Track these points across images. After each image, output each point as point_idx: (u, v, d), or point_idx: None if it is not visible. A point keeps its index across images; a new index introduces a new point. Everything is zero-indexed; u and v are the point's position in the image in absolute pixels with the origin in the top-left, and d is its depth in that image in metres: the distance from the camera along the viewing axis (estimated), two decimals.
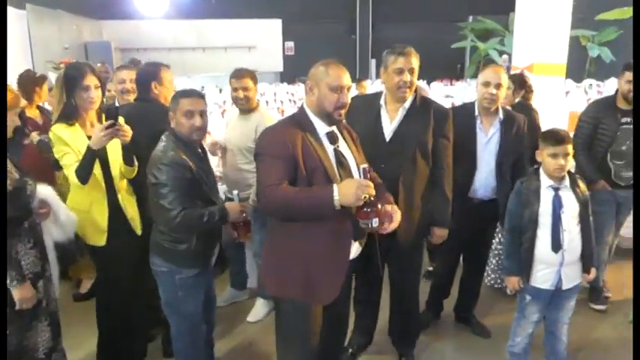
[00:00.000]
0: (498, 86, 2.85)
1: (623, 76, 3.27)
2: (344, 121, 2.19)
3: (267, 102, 8.71)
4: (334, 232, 2.04)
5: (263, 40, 15.20)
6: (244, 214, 2.39)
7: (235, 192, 2.50)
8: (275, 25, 15.39)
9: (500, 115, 2.94)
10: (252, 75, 3.19)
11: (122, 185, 2.62)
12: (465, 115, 2.95)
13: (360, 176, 2.04)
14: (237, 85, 3.14)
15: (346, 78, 2.05)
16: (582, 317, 3.29)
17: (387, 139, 2.60)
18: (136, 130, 2.47)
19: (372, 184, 1.91)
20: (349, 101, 2.09)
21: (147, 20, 14.10)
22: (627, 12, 9.61)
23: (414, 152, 2.56)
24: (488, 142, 2.94)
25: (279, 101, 9.15)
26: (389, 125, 2.61)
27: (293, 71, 14.19)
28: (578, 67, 12.42)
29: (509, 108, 3.19)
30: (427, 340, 3.19)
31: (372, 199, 1.93)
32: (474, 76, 14.70)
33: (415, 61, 2.53)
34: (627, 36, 12.79)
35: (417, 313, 2.99)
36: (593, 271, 2.59)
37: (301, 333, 2.16)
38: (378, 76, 14.88)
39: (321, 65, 2.07)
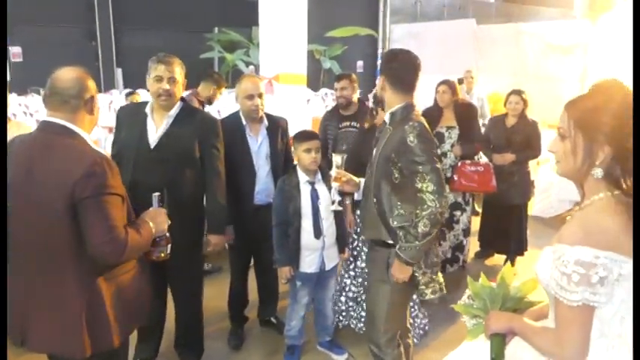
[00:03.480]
0: (260, 96, 3.02)
1: (335, 85, 3.93)
2: None
3: None
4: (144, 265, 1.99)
5: None
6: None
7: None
8: None
9: (266, 122, 3.12)
10: None
11: None
12: (234, 124, 3.07)
13: (154, 204, 1.98)
14: None
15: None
16: None
17: (152, 146, 2.58)
18: None
19: (165, 212, 1.96)
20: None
21: None
22: (350, 31, 11.14)
23: (179, 160, 2.60)
24: (259, 148, 3.09)
25: (10, 114, 7.93)
26: (154, 133, 2.60)
27: (23, 80, 12.44)
28: (315, 77, 13.92)
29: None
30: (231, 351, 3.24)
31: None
32: (227, 86, 15.18)
33: (178, 70, 2.56)
34: (350, 50, 14.90)
35: (200, 321, 2.97)
36: (346, 250, 3.03)
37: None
38: (125, 85, 14.15)
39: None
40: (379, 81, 2.33)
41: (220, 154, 2.76)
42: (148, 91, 2.60)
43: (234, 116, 3.14)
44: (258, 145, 3.10)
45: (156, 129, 2.60)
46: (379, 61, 13.04)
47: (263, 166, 3.09)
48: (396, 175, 2.23)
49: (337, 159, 2.47)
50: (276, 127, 3.17)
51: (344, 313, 3.33)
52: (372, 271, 2.50)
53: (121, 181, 1.78)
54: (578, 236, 1.22)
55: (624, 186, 1.23)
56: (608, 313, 1.25)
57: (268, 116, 3.17)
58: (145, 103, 2.73)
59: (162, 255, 1.97)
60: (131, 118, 2.64)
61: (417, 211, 2.16)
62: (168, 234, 1.97)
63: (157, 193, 1.99)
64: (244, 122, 3.08)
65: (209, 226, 2.81)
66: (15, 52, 14.11)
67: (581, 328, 1.24)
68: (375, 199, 2.30)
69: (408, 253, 2.18)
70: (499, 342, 1.45)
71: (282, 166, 3.15)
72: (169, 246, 1.97)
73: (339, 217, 2.94)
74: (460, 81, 10.37)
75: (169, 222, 1.94)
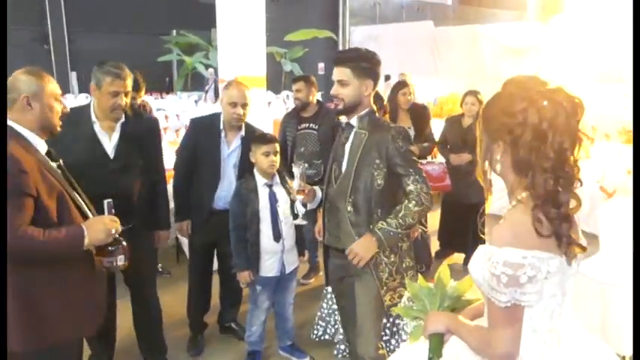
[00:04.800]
0: (245, 106, 2.93)
1: (293, 87, 3.97)
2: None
3: None
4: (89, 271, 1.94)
5: None
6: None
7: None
8: None
9: (242, 132, 3.03)
10: None
11: None
12: (211, 124, 3.01)
13: (105, 212, 1.93)
14: None
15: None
16: (301, 297, 3.75)
17: (111, 157, 2.54)
18: None
19: (118, 220, 1.89)
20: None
21: None
22: (309, 34, 11.16)
23: (137, 166, 2.60)
24: (229, 155, 3.02)
25: None
26: (108, 142, 2.54)
27: None
28: (276, 80, 13.89)
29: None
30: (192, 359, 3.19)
31: (118, 236, 1.89)
32: (184, 89, 15.00)
33: (130, 83, 2.50)
34: (311, 53, 14.94)
35: (160, 320, 2.94)
36: (306, 252, 3.03)
37: None
38: (80, 90, 13.76)
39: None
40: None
41: (161, 154, 2.87)
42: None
43: (215, 117, 3.07)
44: (230, 151, 3.03)
45: (109, 138, 2.54)
46: None
47: (229, 174, 3.02)
48: (379, 182, 2.17)
49: (297, 170, 2.37)
50: (250, 137, 3.07)
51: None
52: (353, 284, 2.36)
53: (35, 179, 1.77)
54: (507, 238, 1.23)
55: (532, 184, 1.24)
56: (538, 310, 1.27)
57: (247, 126, 3.09)
58: (82, 109, 2.61)
59: (115, 264, 1.91)
60: (70, 129, 2.35)
61: (410, 206, 2.12)
62: (124, 243, 1.91)
63: (108, 200, 1.94)
64: (221, 126, 3.01)
65: (157, 223, 2.84)
66: None
67: (511, 328, 1.26)
68: (351, 206, 2.22)
69: (385, 234, 2.12)
70: (437, 341, 1.46)
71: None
72: (122, 256, 1.91)
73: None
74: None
75: (117, 230, 1.88)
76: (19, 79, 1.85)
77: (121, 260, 1.91)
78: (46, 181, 1.80)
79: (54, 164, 1.93)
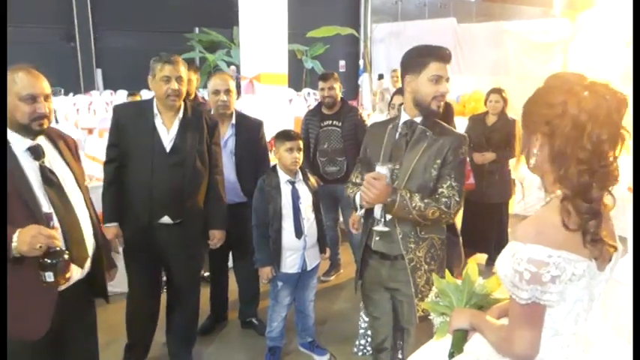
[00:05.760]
0: (228, 92, 3.04)
1: (319, 85, 3.94)
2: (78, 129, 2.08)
3: None
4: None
5: None
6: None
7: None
8: None
9: (233, 120, 3.12)
10: None
11: None
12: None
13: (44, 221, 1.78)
14: None
15: (40, 85, 1.87)
16: (322, 294, 3.76)
17: (167, 150, 2.57)
18: None
19: (54, 234, 1.74)
20: (50, 110, 1.91)
21: None
22: (331, 30, 11.12)
23: (194, 161, 2.61)
24: (224, 145, 3.06)
25: None
26: (167, 135, 2.58)
27: None
28: (297, 77, 13.91)
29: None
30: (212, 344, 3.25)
31: (58, 249, 1.74)
32: (206, 85, 15.09)
33: (183, 69, 2.55)
34: (333, 50, 14.91)
35: (197, 316, 2.96)
36: (327, 250, 3.02)
37: None
38: (105, 86, 13.98)
39: (9, 73, 1.85)
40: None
41: (220, 149, 2.84)
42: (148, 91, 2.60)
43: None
44: (224, 142, 3.06)
45: (167, 131, 2.58)
46: (361, 61, 13.06)
47: (226, 163, 3.02)
48: (430, 185, 2.07)
49: (383, 170, 1.99)
50: (244, 125, 3.16)
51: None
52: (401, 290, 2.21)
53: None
54: (530, 234, 1.20)
55: (565, 180, 1.21)
56: (561, 312, 1.24)
57: (239, 115, 3.17)
58: (146, 101, 2.71)
59: (43, 279, 1.74)
60: (135, 119, 2.59)
61: (436, 202, 2.01)
62: (66, 257, 1.77)
63: (46, 212, 1.80)
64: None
65: (212, 223, 2.79)
66: None
67: (531, 326, 1.23)
68: None
69: (402, 201, 1.96)
70: (459, 337, 1.45)
71: (254, 166, 3.13)
72: (50, 273, 1.75)
73: (319, 217, 2.92)
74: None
75: (45, 244, 1.71)
76: (13, 74, 1.84)
77: (49, 277, 1.74)
78: None
79: (35, 162, 1.87)
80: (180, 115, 2.61)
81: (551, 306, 1.22)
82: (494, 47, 9.74)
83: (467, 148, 2.13)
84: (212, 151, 2.74)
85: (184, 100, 2.65)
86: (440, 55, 2.06)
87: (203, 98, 4.61)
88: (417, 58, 2.07)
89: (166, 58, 2.53)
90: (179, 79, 2.53)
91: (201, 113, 2.74)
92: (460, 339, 1.45)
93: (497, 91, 4.41)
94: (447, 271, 1.63)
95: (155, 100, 2.61)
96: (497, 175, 4.38)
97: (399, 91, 3.05)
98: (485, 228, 4.50)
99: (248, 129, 3.16)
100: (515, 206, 5.91)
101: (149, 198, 2.52)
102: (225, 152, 3.05)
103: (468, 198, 4.68)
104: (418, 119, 2.13)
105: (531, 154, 1.29)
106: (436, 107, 2.08)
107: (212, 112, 3.09)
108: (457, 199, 2.05)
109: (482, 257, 4.67)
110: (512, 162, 4.65)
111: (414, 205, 1.99)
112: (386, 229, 2.08)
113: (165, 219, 2.59)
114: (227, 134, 3.09)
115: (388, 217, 2.08)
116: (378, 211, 2.05)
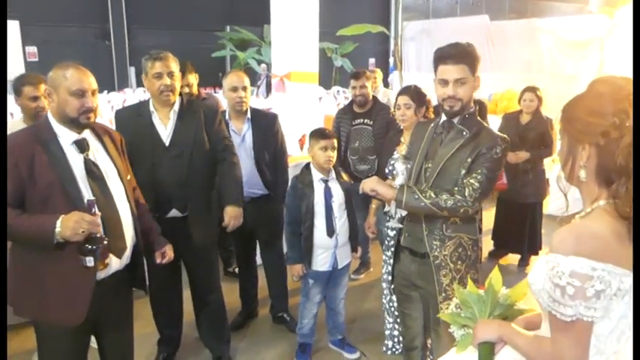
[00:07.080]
0: (244, 89, 3.08)
1: (351, 83, 3.93)
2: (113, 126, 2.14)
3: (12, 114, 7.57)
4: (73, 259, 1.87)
5: None
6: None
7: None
8: (11, 28, 13.44)
9: (249, 115, 3.16)
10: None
11: None
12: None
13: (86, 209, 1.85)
14: None
15: (88, 81, 1.95)
16: (352, 292, 3.76)
17: (167, 144, 2.62)
18: None
19: (96, 220, 1.81)
20: (97, 105, 1.99)
21: None
22: (362, 28, 11.08)
23: (195, 151, 2.64)
24: (242, 140, 3.12)
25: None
26: (164, 130, 2.63)
27: None
28: (327, 75, 13.92)
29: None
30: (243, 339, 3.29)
31: (98, 236, 1.83)
32: None
33: (174, 65, 2.59)
34: (362, 49, 14.86)
35: (222, 310, 2.99)
36: (359, 249, 3.03)
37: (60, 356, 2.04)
38: (139, 84, 14.25)
39: (58, 69, 1.93)
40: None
41: (228, 133, 2.85)
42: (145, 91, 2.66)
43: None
44: (242, 137, 3.13)
45: (165, 127, 2.64)
46: (391, 59, 12.97)
47: (245, 159, 3.06)
48: (459, 183, 2.04)
49: (401, 167, 2.11)
50: (260, 120, 3.20)
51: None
52: (426, 289, 2.21)
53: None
54: (569, 244, 1.13)
55: (619, 192, 1.13)
56: (605, 330, 1.17)
57: (253, 110, 3.21)
58: (143, 102, 2.77)
59: (84, 264, 1.82)
60: (134, 120, 2.65)
61: (450, 196, 2.00)
62: (105, 243, 1.85)
63: (89, 198, 1.86)
64: (227, 117, 3.12)
65: (225, 198, 2.74)
66: (31, 51, 14.28)
67: (578, 344, 1.15)
68: None
69: (409, 197, 2.00)
70: (487, 350, 1.35)
71: (272, 160, 3.19)
72: (90, 258, 1.82)
73: (351, 215, 2.93)
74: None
75: (87, 229, 1.79)
76: (51, 73, 1.94)
77: (89, 262, 1.82)
78: (39, 169, 1.84)
79: (80, 155, 1.95)
80: (176, 108, 2.65)
81: (595, 322, 1.15)
82: (527, 45, 9.54)
83: (504, 149, 2.05)
84: (215, 136, 2.73)
85: (180, 95, 2.69)
86: (444, 57, 2.05)
87: (207, 93, 4.66)
88: (433, 62, 2.10)
89: (156, 55, 2.56)
90: (171, 74, 2.57)
91: (198, 104, 2.79)
92: (488, 353, 1.35)
93: (532, 89, 4.34)
94: (469, 280, 1.57)
95: (151, 98, 2.67)
96: (531, 175, 4.31)
97: (404, 91, 3.06)
98: (519, 228, 4.43)
99: (264, 122, 3.21)
100: (549, 206, 5.80)
101: (155, 194, 2.56)
102: (244, 146, 3.10)
103: (500, 197, 4.63)
104: (456, 119, 2.11)
105: (578, 166, 1.21)
106: (448, 108, 2.07)
107: (226, 109, 3.15)
108: (476, 186, 2.00)
109: (513, 258, 4.60)
110: (546, 161, 4.57)
111: (424, 194, 2.00)
112: (399, 225, 2.19)
113: (174, 212, 2.64)
114: (244, 129, 3.15)
115: (403, 212, 2.16)
116: (392, 207, 2.14)
